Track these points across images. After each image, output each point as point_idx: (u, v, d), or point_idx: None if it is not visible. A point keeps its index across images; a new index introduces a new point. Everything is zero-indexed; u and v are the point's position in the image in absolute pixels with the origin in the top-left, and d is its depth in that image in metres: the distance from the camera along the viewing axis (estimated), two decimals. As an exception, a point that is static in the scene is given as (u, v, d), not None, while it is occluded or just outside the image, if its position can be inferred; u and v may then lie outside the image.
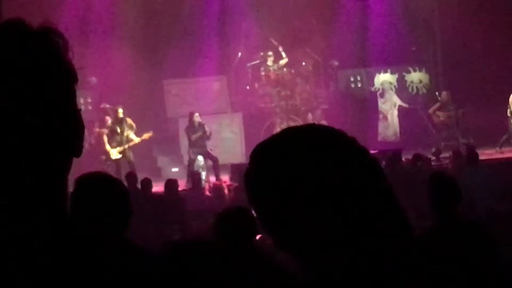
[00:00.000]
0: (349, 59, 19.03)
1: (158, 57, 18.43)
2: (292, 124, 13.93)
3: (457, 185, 5.06)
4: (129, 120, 15.80)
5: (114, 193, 3.20)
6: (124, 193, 3.28)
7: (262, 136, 13.63)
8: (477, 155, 11.72)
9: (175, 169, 17.13)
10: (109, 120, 16.06)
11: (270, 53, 17.99)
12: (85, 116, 1.29)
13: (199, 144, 15.69)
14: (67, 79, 1.25)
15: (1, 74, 1.19)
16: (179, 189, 12.28)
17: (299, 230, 1.34)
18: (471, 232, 4.85)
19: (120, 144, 15.60)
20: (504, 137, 16.30)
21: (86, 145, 13.17)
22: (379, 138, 18.38)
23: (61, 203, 1.25)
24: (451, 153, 13.18)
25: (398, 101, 18.61)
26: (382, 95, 18.86)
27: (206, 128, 15.79)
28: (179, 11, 18.83)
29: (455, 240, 4.73)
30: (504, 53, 17.63)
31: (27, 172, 1.19)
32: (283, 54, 17.96)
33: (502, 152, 16.04)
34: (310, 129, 1.42)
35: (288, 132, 1.42)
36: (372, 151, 12.61)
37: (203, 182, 14.42)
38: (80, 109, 1.28)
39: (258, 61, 18.23)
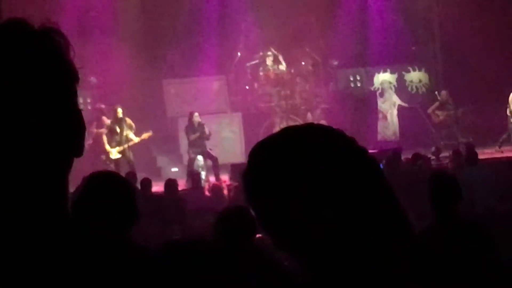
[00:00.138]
0: (349, 58, 19.03)
1: (157, 56, 18.42)
2: (291, 123, 13.92)
3: (457, 184, 5.06)
4: (128, 120, 15.79)
5: (121, 193, 3.20)
6: (130, 193, 3.27)
7: (261, 136, 13.61)
8: (476, 154, 11.72)
9: (174, 169, 17.13)
10: (106, 120, 16.07)
11: (269, 53, 17.99)
12: (84, 116, 1.29)
13: (198, 144, 15.69)
14: (68, 79, 1.25)
15: (3, 74, 1.19)
16: (179, 189, 12.27)
17: (298, 230, 1.34)
18: (470, 231, 4.85)
19: (119, 144, 15.60)
20: (504, 136, 16.30)
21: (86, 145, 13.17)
22: (379, 138, 18.38)
23: (62, 203, 1.25)
24: (450, 152, 13.17)
25: (398, 101, 18.61)
26: (381, 95, 18.86)
27: (206, 128, 15.79)
28: (179, 11, 18.83)
29: (455, 239, 4.73)
30: (503, 53, 17.63)
31: (28, 171, 1.19)
32: (283, 63, 17.98)
33: (501, 151, 16.04)
34: (309, 128, 1.42)
35: (286, 132, 1.42)
36: (371, 151, 12.64)
37: (203, 181, 14.42)
38: (82, 109, 1.28)
39: (257, 61, 18.23)
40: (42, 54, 1.22)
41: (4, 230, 1.18)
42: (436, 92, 18.03)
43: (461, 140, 16.90)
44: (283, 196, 1.34)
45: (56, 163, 1.23)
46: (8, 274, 1.16)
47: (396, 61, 19.25)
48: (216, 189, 12.75)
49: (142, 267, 1.34)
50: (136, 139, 15.67)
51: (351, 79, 19.33)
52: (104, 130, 15.95)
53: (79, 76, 1.27)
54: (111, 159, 15.65)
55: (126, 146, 15.55)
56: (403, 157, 13.18)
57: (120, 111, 15.58)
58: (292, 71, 18.08)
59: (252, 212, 1.43)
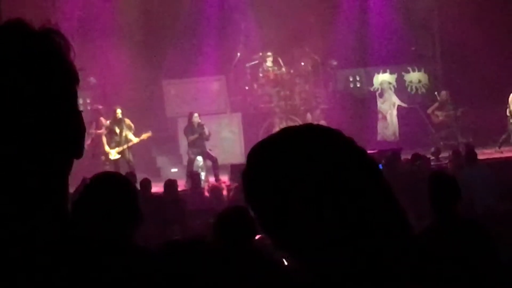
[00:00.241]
0: (348, 59, 19.02)
1: (157, 57, 18.41)
2: (291, 124, 13.87)
3: (457, 184, 5.07)
4: (127, 121, 15.80)
5: (125, 194, 3.20)
6: (134, 195, 3.27)
7: (261, 136, 13.61)
8: (476, 154, 11.72)
9: (174, 169, 17.13)
10: (103, 121, 16.08)
11: (269, 53, 17.99)
12: (83, 117, 1.29)
13: (198, 144, 15.69)
14: (68, 80, 1.25)
15: (3, 75, 1.19)
16: (179, 189, 12.27)
17: (297, 230, 1.34)
18: (470, 231, 4.86)
19: (118, 144, 15.61)
20: (503, 136, 16.30)
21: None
22: (378, 138, 18.38)
23: (62, 203, 1.25)
24: (450, 152, 13.17)
25: (397, 101, 18.61)
26: (381, 95, 18.86)
27: (205, 129, 15.79)
28: (179, 11, 18.83)
29: (454, 239, 4.74)
30: (503, 53, 17.63)
31: (28, 172, 1.19)
32: (283, 67, 18.00)
33: (501, 152, 16.04)
34: (308, 129, 1.42)
35: (286, 132, 1.42)
36: (371, 151, 12.64)
37: (202, 182, 14.42)
38: (82, 111, 1.28)
39: (257, 61, 18.23)
40: (42, 55, 1.22)
41: (4, 230, 1.18)
42: (436, 93, 18.03)
43: (460, 140, 16.91)
44: (282, 196, 1.34)
45: (56, 164, 1.23)
46: (8, 274, 1.17)
47: (395, 61, 19.25)
48: (215, 189, 12.75)
49: (142, 268, 1.35)
50: (135, 140, 15.68)
51: (351, 79, 19.33)
52: (103, 131, 15.95)
53: (79, 77, 1.27)
54: (111, 159, 15.65)
55: (125, 146, 15.56)
56: (402, 158, 13.18)
57: (119, 111, 15.59)
58: (292, 71, 18.08)
59: (252, 213, 1.43)
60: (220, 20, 18.90)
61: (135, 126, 15.89)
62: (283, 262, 4.67)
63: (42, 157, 1.20)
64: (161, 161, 17.94)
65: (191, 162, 15.62)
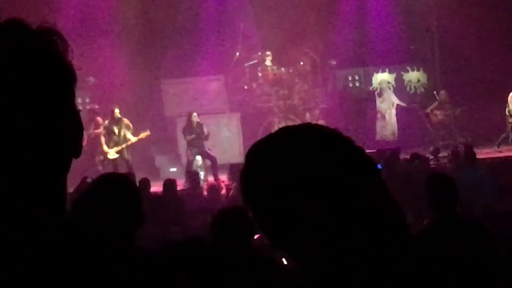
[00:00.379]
0: (347, 58, 19.03)
1: (156, 56, 18.42)
2: (290, 123, 13.91)
3: (455, 184, 5.08)
4: (126, 120, 15.82)
5: (130, 196, 3.19)
6: (139, 197, 3.26)
7: (260, 136, 13.60)
8: (475, 154, 11.72)
9: (173, 169, 17.13)
10: (99, 121, 16.10)
11: (268, 52, 17.99)
12: (83, 116, 1.29)
13: (197, 144, 15.69)
14: (66, 80, 1.25)
15: (0, 75, 1.19)
16: (178, 189, 12.27)
17: (295, 230, 1.34)
18: (469, 231, 4.86)
19: (117, 144, 15.62)
20: (503, 136, 16.30)
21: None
22: (377, 138, 18.39)
23: (60, 203, 1.25)
24: (449, 152, 13.18)
25: (396, 101, 18.62)
26: (380, 95, 18.87)
27: (204, 128, 15.79)
28: (177, 11, 18.82)
29: (453, 239, 4.74)
30: (502, 52, 17.63)
31: (26, 172, 1.19)
32: (282, 67, 18.02)
33: (500, 151, 16.04)
34: (306, 128, 1.42)
35: (284, 132, 1.42)
36: (370, 151, 12.64)
37: (201, 181, 14.42)
38: (80, 110, 1.28)
39: (256, 61, 18.23)
40: (39, 55, 1.21)
41: (2, 229, 1.18)
42: (435, 92, 18.05)
43: (459, 140, 16.92)
44: (280, 196, 1.34)
45: (54, 164, 1.23)
46: (6, 274, 1.16)
47: (394, 61, 19.26)
48: (213, 189, 12.75)
49: (141, 267, 1.34)
50: (133, 139, 15.69)
51: (350, 79, 19.34)
52: (100, 131, 15.96)
53: (77, 76, 1.27)
54: (109, 159, 15.66)
55: (124, 146, 15.58)
56: (401, 157, 13.19)
57: (117, 111, 15.61)
58: (291, 71, 18.08)
59: (250, 212, 1.43)
60: (219, 20, 18.90)
61: (134, 126, 15.90)
62: (282, 262, 4.67)
63: (40, 157, 1.20)
64: (160, 160, 17.94)
65: (190, 161, 15.62)
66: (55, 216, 1.23)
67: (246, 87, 18.48)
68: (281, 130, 1.43)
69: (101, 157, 15.85)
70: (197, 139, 15.69)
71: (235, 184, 12.35)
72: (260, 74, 18.07)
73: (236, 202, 8.88)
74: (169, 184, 11.68)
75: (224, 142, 17.59)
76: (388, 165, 11.45)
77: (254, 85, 18.18)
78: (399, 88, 19.08)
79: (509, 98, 16.03)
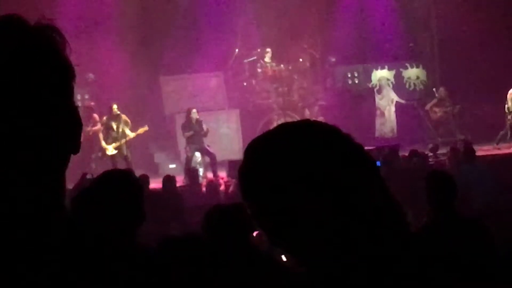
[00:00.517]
0: (347, 55, 19.03)
1: (155, 53, 18.40)
2: (289, 120, 13.88)
3: (454, 181, 5.08)
4: (124, 116, 15.83)
5: (134, 193, 3.17)
6: (141, 194, 3.24)
7: (259, 132, 13.50)
8: (474, 151, 11.71)
9: (172, 166, 17.12)
10: (96, 117, 16.11)
11: (267, 49, 17.99)
12: (80, 113, 1.28)
13: (196, 141, 15.69)
14: (64, 76, 1.25)
15: (-1, 71, 1.18)
16: (177, 185, 12.27)
17: (293, 227, 1.34)
18: (468, 228, 4.86)
19: (115, 140, 15.64)
20: (502, 133, 16.30)
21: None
22: (376, 134, 18.39)
23: (59, 201, 1.25)
24: (448, 149, 13.18)
25: (395, 97, 18.62)
26: (379, 91, 18.87)
27: (204, 125, 15.78)
28: (177, 8, 18.80)
29: (452, 236, 4.74)
30: (501, 49, 17.63)
31: (26, 170, 1.19)
32: (281, 63, 18.04)
33: (499, 148, 16.04)
34: (305, 125, 1.42)
35: (283, 128, 1.42)
36: (369, 148, 12.62)
37: (200, 178, 14.42)
38: (78, 106, 1.28)
39: (255, 57, 18.23)
40: (37, 51, 1.21)
41: (2, 229, 1.18)
42: (434, 89, 18.05)
43: (458, 137, 16.93)
44: (279, 192, 1.33)
45: (53, 160, 1.23)
46: (5, 274, 1.16)
47: (393, 58, 19.27)
48: (211, 185, 12.75)
49: (139, 264, 1.34)
50: (132, 134, 15.71)
51: (349, 75, 19.34)
52: (98, 128, 15.98)
53: (76, 73, 1.26)
54: (108, 155, 15.67)
55: (123, 141, 15.60)
56: (400, 154, 13.18)
57: (115, 107, 15.63)
58: (290, 67, 18.09)
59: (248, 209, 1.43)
60: (218, 16, 18.88)
61: (133, 123, 15.91)
62: (281, 259, 4.66)
63: (40, 154, 1.20)
64: (159, 157, 17.94)
65: (189, 158, 15.61)
66: (55, 215, 1.23)
67: (245, 83, 18.48)
68: (280, 126, 1.43)
69: (100, 154, 15.85)
70: (196, 135, 15.68)
71: (234, 180, 12.36)
72: (259, 71, 18.08)
73: (235, 198, 8.88)
74: (169, 180, 11.68)
75: (223, 138, 17.58)
76: (387, 162, 11.45)
77: (253, 81, 18.19)
78: (398, 85, 19.08)
79: (508, 95, 16.03)
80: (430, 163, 13.23)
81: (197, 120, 15.80)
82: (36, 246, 1.18)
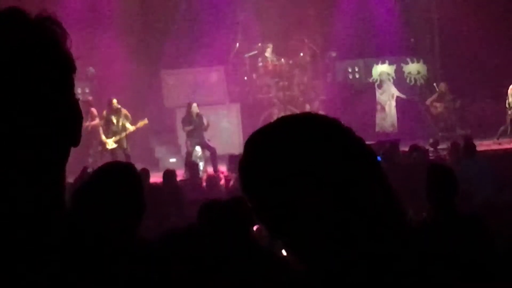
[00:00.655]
0: (347, 50, 19.02)
1: (156, 47, 18.39)
2: (290, 114, 13.92)
3: (455, 176, 5.07)
4: (124, 110, 15.83)
5: (135, 187, 3.15)
6: (140, 187, 3.23)
7: (259, 127, 13.59)
8: (474, 146, 11.70)
9: (172, 160, 17.13)
10: (94, 112, 16.12)
11: (268, 44, 17.98)
12: (84, 106, 1.28)
13: (196, 135, 15.69)
14: (64, 69, 1.24)
15: (-1, 64, 1.18)
16: (177, 179, 12.27)
17: (293, 221, 1.33)
18: (468, 223, 4.86)
19: (115, 133, 15.65)
20: (502, 128, 16.29)
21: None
22: (377, 129, 18.38)
23: (59, 197, 1.25)
24: (448, 144, 13.17)
25: (396, 92, 18.60)
26: (380, 86, 18.85)
27: (204, 119, 15.78)
28: (177, 2, 18.79)
29: (452, 231, 4.74)
30: (502, 44, 17.62)
31: (25, 168, 1.18)
32: (282, 58, 18.03)
33: (499, 143, 16.03)
34: (305, 117, 1.41)
35: (283, 121, 1.41)
36: (369, 142, 12.53)
37: (201, 172, 14.42)
38: (79, 99, 1.27)
39: (256, 52, 18.22)
40: (38, 43, 1.21)
41: (2, 229, 1.18)
42: (435, 84, 18.03)
43: (459, 132, 16.91)
44: (279, 186, 1.33)
45: (53, 153, 1.22)
46: (5, 274, 1.16)
47: (394, 52, 19.23)
48: (211, 180, 12.75)
49: (140, 258, 1.34)
50: (132, 128, 15.72)
51: (350, 70, 19.33)
52: (96, 122, 15.98)
53: (76, 66, 1.26)
54: (108, 149, 15.68)
55: (123, 135, 15.61)
56: (401, 149, 13.18)
57: (115, 101, 15.64)
58: (291, 62, 18.08)
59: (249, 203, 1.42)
60: (219, 10, 18.86)
61: (133, 117, 15.91)
62: (281, 253, 4.67)
63: (40, 150, 1.19)
64: (159, 151, 17.95)
65: (189, 152, 15.62)
66: (55, 214, 1.22)
67: (246, 78, 18.48)
68: (280, 119, 1.42)
69: (100, 148, 15.86)
70: (197, 130, 15.68)
71: (234, 175, 12.36)
72: (260, 65, 18.07)
73: (235, 193, 8.88)
74: (169, 174, 11.69)
75: (223, 133, 17.58)
76: (387, 157, 11.44)
77: (254, 76, 18.18)
78: (399, 79, 19.05)
79: (509, 90, 16.02)
80: (431, 158, 13.22)
81: (197, 114, 15.80)
82: (36, 246, 1.17)
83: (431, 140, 15.48)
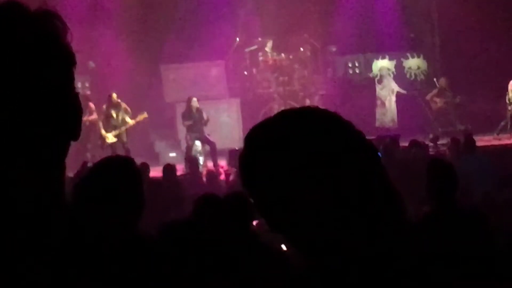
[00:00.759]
0: (348, 45, 18.99)
1: (156, 42, 18.37)
2: (290, 109, 13.90)
3: (455, 171, 5.07)
4: (123, 105, 15.83)
5: (135, 181, 3.15)
6: (140, 181, 3.22)
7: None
8: (474, 141, 11.70)
9: (172, 154, 17.13)
10: (93, 107, 16.12)
11: (268, 39, 17.97)
12: (82, 101, 1.28)
13: (196, 129, 15.69)
14: (65, 63, 1.24)
15: (-1, 57, 1.18)
16: (177, 174, 12.27)
17: (293, 216, 1.33)
18: (468, 219, 4.86)
19: (115, 128, 15.65)
20: (502, 123, 16.28)
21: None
22: (377, 124, 18.38)
23: (59, 186, 1.25)
24: (448, 139, 13.16)
25: (396, 88, 18.59)
26: (380, 81, 18.84)
27: (204, 114, 15.78)
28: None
29: (452, 226, 4.74)
30: (502, 40, 17.60)
31: (24, 168, 1.18)
32: (282, 53, 18.02)
33: (499, 139, 16.03)
34: (305, 111, 1.41)
35: (282, 115, 1.41)
36: (369, 137, 12.53)
37: (201, 167, 14.42)
38: (78, 93, 1.27)
39: (256, 47, 18.21)
40: (38, 37, 1.20)
41: (2, 228, 1.17)
42: (435, 79, 18.02)
43: (459, 127, 16.90)
44: (279, 180, 1.33)
45: (54, 147, 1.22)
46: (5, 273, 1.15)
47: (394, 48, 19.22)
48: (211, 175, 12.75)
49: (140, 252, 1.34)
50: (131, 122, 15.72)
51: (350, 65, 19.31)
52: (94, 117, 15.99)
53: (77, 60, 1.26)
54: (107, 143, 15.68)
55: (123, 129, 15.62)
56: (401, 144, 13.17)
57: (115, 95, 15.63)
58: (291, 57, 18.07)
59: (250, 197, 1.42)
60: (219, 5, 18.83)
61: (134, 111, 15.91)
62: (282, 247, 4.67)
63: (40, 140, 1.19)
64: (159, 146, 17.95)
65: (189, 147, 15.63)
66: (55, 213, 1.22)
67: (246, 73, 18.47)
68: (280, 113, 1.42)
69: (99, 142, 15.86)
70: (197, 124, 15.68)
71: (234, 169, 12.36)
72: (260, 60, 18.06)
73: (235, 187, 8.88)
74: (169, 169, 11.68)
75: (223, 127, 17.58)
76: (387, 152, 11.44)
77: (254, 71, 18.17)
78: (399, 75, 19.05)
79: (509, 85, 16.01)
80: (431, 153, 13.22)
81: (197, 109, 15.80)
82: (36, 246, 1.17)
83: (431, 136, 15.49)
